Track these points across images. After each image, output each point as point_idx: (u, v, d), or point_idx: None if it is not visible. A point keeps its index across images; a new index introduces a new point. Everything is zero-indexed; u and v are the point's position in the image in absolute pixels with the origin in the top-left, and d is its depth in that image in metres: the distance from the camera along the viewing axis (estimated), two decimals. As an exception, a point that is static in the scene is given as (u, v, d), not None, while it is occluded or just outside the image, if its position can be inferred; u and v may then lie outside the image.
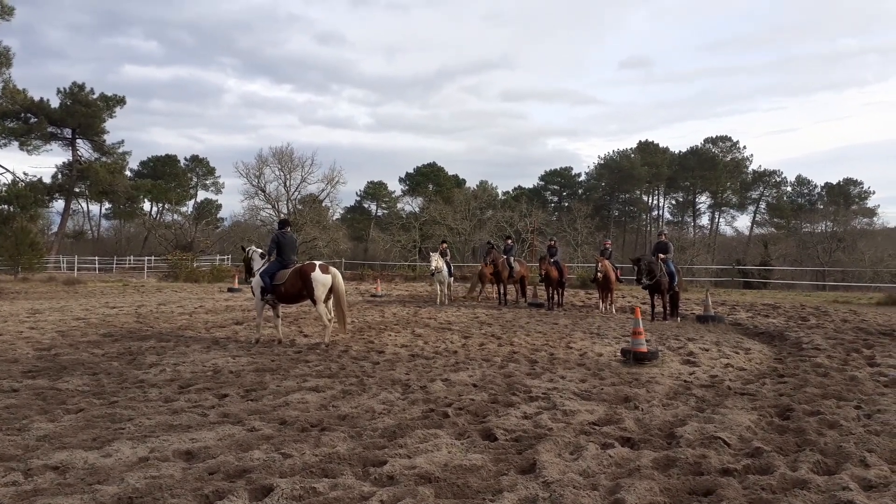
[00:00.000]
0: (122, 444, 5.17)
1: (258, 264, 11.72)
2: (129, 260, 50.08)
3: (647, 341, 9.70)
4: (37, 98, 50.18)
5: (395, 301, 20.49)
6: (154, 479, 4.36)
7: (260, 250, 12.11)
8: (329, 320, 11.25)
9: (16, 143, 51.83)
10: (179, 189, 72.00)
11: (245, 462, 4.73)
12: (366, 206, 79.96)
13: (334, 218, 58.21)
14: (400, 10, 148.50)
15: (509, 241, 21.13)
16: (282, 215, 48.50)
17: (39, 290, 26.04)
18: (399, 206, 74.35)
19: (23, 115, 50.14)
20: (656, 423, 5.93)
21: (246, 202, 53.13)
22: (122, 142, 59.73)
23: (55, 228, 57.47)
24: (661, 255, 15.43)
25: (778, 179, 74.60)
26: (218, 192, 76.66)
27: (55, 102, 51.65)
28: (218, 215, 71.36)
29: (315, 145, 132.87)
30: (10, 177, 50.85)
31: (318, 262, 11.19)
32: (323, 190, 52.91)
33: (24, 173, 49.13)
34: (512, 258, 19.88)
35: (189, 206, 73.77)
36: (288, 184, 51.48)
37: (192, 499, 4.02)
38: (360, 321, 14.49)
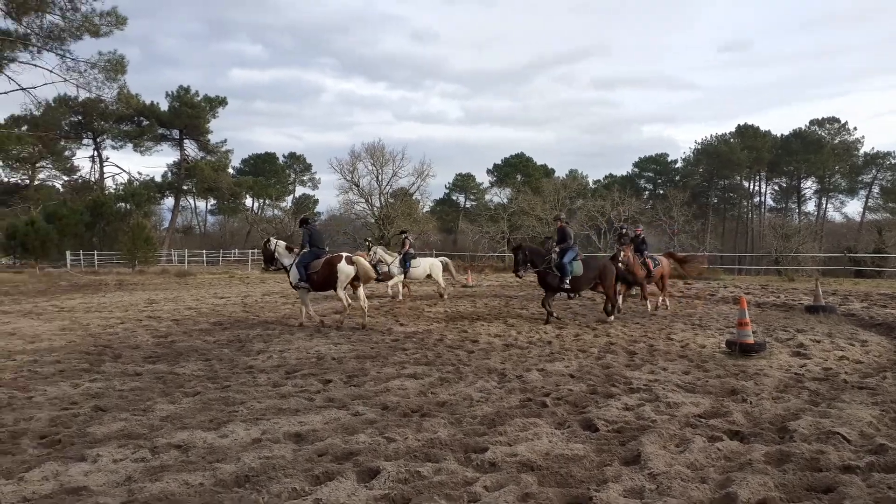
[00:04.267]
0: (237, 425, 5.47)
1: (284, 256, 12.72)
2: (234, 253, 52.70)
3: (753, 332, 9.26)
4: (148, 102, 53.59)
5: (486, 292, 20.56)
6: (267, 460, 4.58)
7: (284, 243, 13.07)
8: (348, 305, 12.31)
9: (130, 145, 55.79)
10: (279, 185, 74.92)
11: (351, 445, 4.89)
12: (454, 198, 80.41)
13: (424, 210, 58.97)
14: (490, 4, 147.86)
15: (626, 230, 15.98)
16: (376, 209, 49.65)
17: (154, 281, 27.92)
18: (487, 197, 74.32)
19: (136, 118, 53.69)
20: (767, 417, 5.66)
21: (341, 197, 54.64)
22: (225, 141, 63.01)
23: (166, 224, 61.30)
24: (559, 246, 12.54)
25: (893, 161, 69.03)
26: (314, 187, 79.28)
27: (164, 106, 55.05)
28: (315, 210, 73.86)
29: (407, 140, 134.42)
30: (125, 176, 54.70)
31: (344, 254, 12.35)
32: (413, 183, 53.67)
33: (139, 173, 52.85)
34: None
35: (288, 202, 76.69)
36: (380, 178, 52.56)
37: (303, 479, 4.20)
38: (452, 311, 14.63)
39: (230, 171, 62.73)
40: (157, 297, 18.89)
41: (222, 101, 56.76)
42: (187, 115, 54.50)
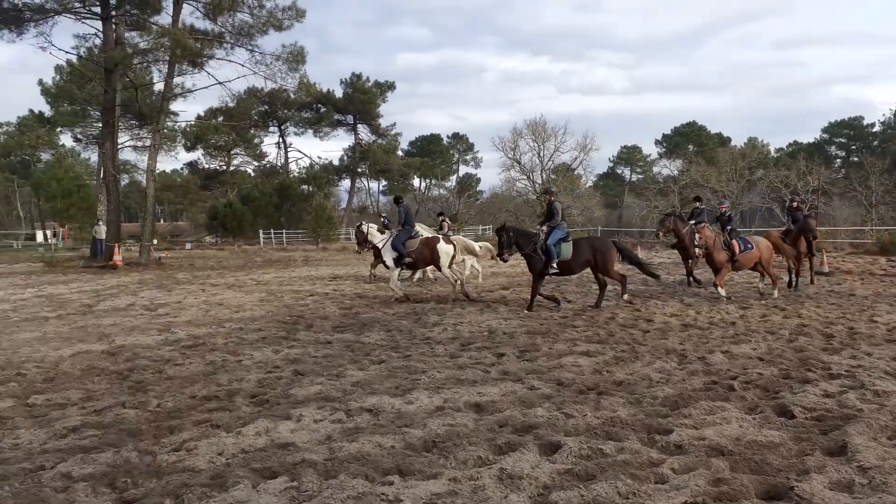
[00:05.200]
0: (420, 393, 5.77)
1: (377, 238, 13.29)
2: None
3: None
4: (325, 90, 57.24)
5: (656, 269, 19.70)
6: (451, 427, 4.80)
7: (375, 225, 13.82)
8: (456, 280, 12.98)
9: (310, 132, 60.10)
10: (443, 165, 76.98)
11: (530, 418, 4.97)
12: (619, 171, 77.78)
13: (587, 185, 57.68)
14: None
15: (698, 205, 14.59)
16: (538, 185, 49.40)
17: (336, 257, 30.05)
18: (655, 169, 71.00)
19: (315, 106, 57.61)
20: None
21: (503, 174, 55.09)
22: (394, 124, 65.84)
23: (343, 204, 65.42)
24: (544, 226, 11.35)
25: None
26: (477, 166, 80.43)
27: (339, 93, 58.58)
28: (477, 188, 75.03)
29: (570, 114, 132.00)
30: (307, 161, 59.12)
31: (441, 235, 13.01)
32: (576, 158, 52.65)
33: (318, 157, 56.87)
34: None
35: (452, 181, 78.61)
36: (541, 154, 52.15)
37: (487, 448, 4.34)
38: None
39: (399, 153, 65.50)
40: (339, 272, 20.30)
41: (391, 86, 59.26)
42: (360, 101, 57.55)
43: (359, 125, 60.51)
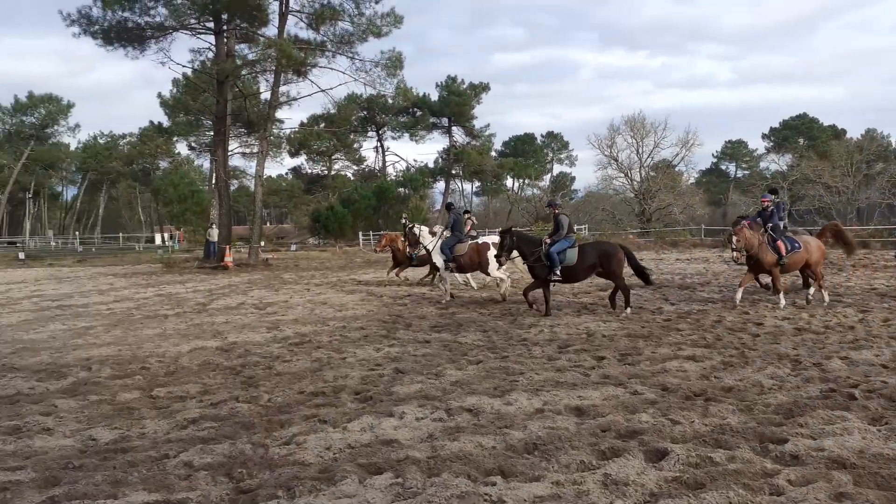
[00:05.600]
0: (519, 394, 5.77)
1: (427, 240, 13.72)
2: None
3: None
4: (420, 94, 58.17)
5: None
6: (552, 430, 4.77)
7: (426, 228, 14.28)
8: (501, 283, 13.16)
9: (406, 135, 61.34)
10: (537, 165, 76.25)
11: (634, 424, 4.86)
12: (723, 167, 74.32)
13: (689, 182, 55.43)
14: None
15: (768, 203, 11.79)
16: (636, 183, 48.06)
17: (430, 259, 30.43)
18: (762, 164, 67.33)
19: (411, 110, 58.67)
20: None
21: (599, 172, 53.81)
22: (488, 125, 65.90)
23: (438, 206, 66.27)
24: (550, 238, 11.06)
25: None
26: (571, 164, 79.20)
27: (434, 96, 59.37)
28: (572, 187, 73.89)
29: (670, 109, 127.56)
30: (403, 164, 60.39)
31: (490, 241, 13.13)
32: (677, 154, 50.73)
33: (414, 160, 57.81)
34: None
35: (546, 180, 77.80)
36: (640, 150, 50.60)
37: (589, 452, 4.29)
38: (719, 290, 13.60)
39: (493, 153, 65.54)
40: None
41: (485, 87, 59.42)
42: (455, 104, 58.05)
43: (453, 127, 61.02)
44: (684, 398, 5.62)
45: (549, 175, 78.99)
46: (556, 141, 79.46)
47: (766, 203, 11.74)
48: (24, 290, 17.34)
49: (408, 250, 15.42)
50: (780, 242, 11.05)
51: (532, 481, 3.84)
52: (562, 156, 79.87)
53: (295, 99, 30.66)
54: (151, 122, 58.17)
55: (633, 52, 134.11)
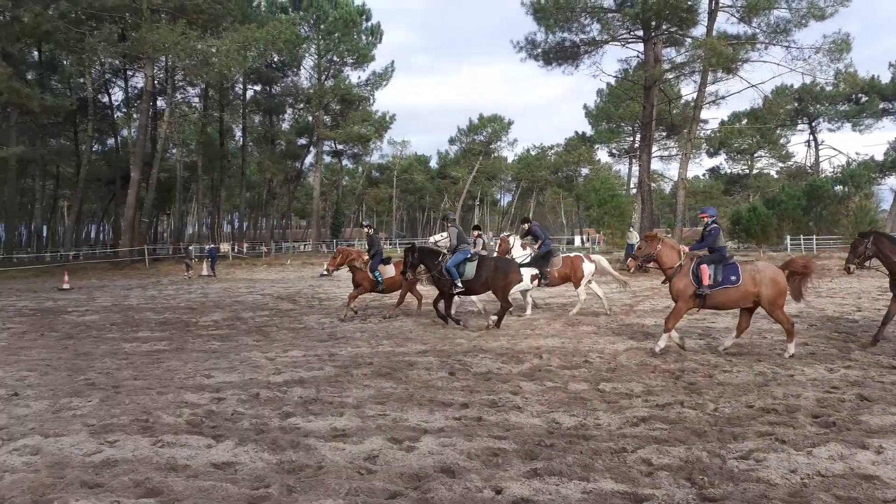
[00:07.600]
0: None
1: (518, 252, 12.82)
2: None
3: None
4: (868, 76, 49.82)
5: None
6: None
7: (521, 241, 13.16)
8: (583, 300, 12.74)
9: (847, 126, 53.15)
10: None
11: None
12: None
13: None
14: None
15: None
16: None
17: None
18: None
19: (854, 96, 50.74)
20: None
21: None
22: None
23: (885, 206, 55.77)
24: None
25: None
26: None
27: (885, 78, 50.19)
28: None
29: None
30: (842, 158, 52.57)
31: (582, 255, 13.08)
32: None
33: (856, 153, 49.79)
34: None
35: None
36: None
37: None
38: None
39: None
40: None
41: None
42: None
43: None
44: None
45: None
46: None
47: (704, 218, 9.20)
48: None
49: (368, 272, 12.63)
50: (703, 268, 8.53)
51: None
52: None
53: (723, 97, 29.59)
54: (576, 133, 62.90)
55: None
